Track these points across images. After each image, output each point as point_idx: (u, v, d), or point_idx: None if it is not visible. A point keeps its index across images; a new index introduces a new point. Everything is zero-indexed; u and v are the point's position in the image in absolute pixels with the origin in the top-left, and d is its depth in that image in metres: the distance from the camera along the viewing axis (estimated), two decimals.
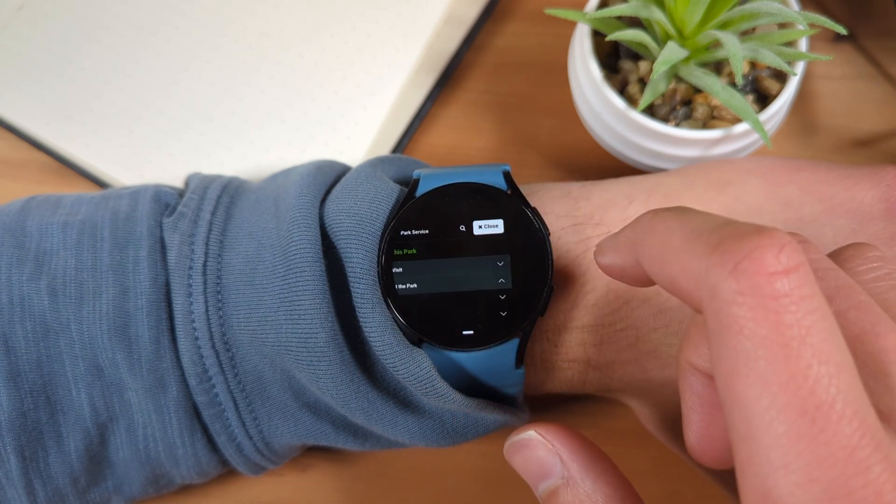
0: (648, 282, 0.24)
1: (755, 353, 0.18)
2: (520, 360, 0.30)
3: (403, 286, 0.30)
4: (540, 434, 0.24)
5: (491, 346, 0.30)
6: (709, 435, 0.23)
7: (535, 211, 0.31)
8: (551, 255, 0.30)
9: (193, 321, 0.31)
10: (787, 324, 0.18)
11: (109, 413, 0.31)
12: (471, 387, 0.31)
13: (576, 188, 0.33)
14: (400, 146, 0.42)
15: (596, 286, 0.32)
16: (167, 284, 0.31)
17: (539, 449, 0.25)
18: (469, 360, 0.30)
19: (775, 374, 0.18)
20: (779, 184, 0.33)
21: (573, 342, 0.32)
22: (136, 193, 0.34)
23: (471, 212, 0.30)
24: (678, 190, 0.33)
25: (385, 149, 0.41)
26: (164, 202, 0.33)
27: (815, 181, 0.33)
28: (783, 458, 0.18)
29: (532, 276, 0.30)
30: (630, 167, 0.39)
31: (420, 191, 0.31)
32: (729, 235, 0.19)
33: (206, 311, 0.31)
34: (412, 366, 0.29)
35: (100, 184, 0.41)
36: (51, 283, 0.31)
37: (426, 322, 0.30)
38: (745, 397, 0.18)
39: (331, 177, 0.33)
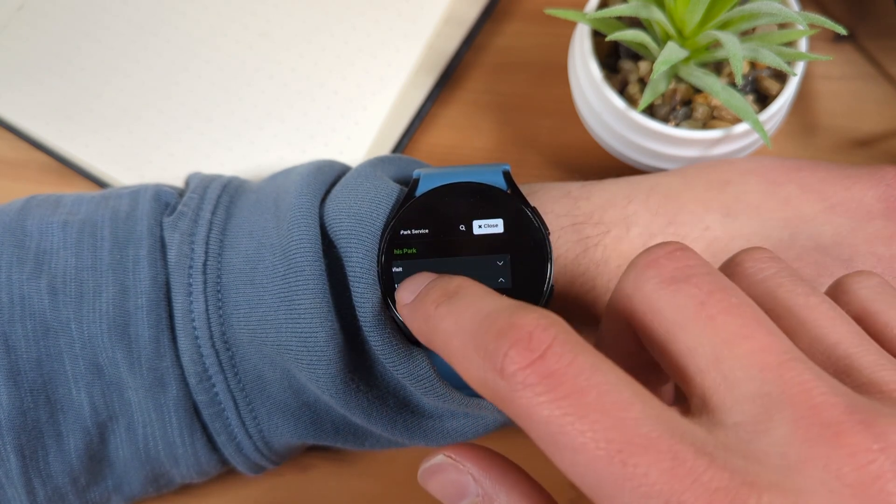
0: None
1: (552, 431, 0.20)
2: None
3: None
4: (449, 457, 0.25)
5: None
6: None
7: (534, 210, 0.30)
8: (551, 255, 0.30)
9: (193, 320, 0.31)
10: (562, 396, 0.20)
11: (109, 412, 0.31)
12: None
13: (575, 188, 0.33)
14: (400, 146, 0.42)
15: (596, 285, 0.32)
16: (167, 283, 0.31)
17: (450, 471, 0.25)
18: None
19: (573, 440, 0.19)
20: (778, 183, 0.33)
21: None
22: (136, 193, 0.34)
23: (471, 211, 0.30)
24: (678, 190, 0.33)
25: (385, 149, 0.41)
26: (165, 201, 0.33)
27: (815, 180, 0.33)
28: (620, 502, 0.19)
29: (532, 276, 0.30)
30: (630, 167, 0.39)
31: (420, 190, 0.31)
32: (488, 337, 0.21)
33: (206, 310, 0.31)
34: (411, 365, 0.30)
35: (100, 184, 0.41)
36: (51, 282, 0.31)
37: None
38: (570, 467, 0.20)
39: (331, 176, 0.33)
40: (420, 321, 0.25)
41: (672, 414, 0.20)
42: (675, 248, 0.23)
